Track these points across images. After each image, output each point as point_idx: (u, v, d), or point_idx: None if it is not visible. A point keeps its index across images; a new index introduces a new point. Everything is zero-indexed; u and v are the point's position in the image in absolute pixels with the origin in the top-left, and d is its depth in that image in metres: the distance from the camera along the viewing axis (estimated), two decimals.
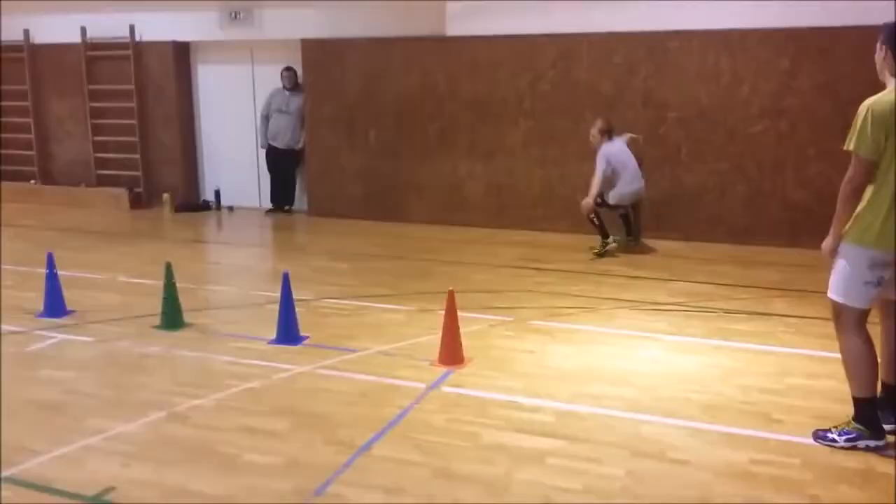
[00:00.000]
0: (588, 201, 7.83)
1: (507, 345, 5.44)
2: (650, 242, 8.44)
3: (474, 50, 9.20)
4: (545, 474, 3.70)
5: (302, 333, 5.62)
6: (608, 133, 8.00)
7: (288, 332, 5.55)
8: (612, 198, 7.94)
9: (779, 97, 8.09)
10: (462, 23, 9.21)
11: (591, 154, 8.84)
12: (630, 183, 7.94)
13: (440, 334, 5.24)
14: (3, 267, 7.67)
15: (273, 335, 5.59)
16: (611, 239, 8.04)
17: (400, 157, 9.73)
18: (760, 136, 8.21)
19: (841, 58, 7.77)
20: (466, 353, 5.15)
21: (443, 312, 5.17)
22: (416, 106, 9.53)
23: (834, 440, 3.91)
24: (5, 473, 3.74)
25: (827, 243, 3.92)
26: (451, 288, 5.18)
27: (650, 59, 8.53)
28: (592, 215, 7.91)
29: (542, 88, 9.01)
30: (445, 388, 4.71)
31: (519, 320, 5.95)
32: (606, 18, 8.57)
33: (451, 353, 5.06)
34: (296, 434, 4.16)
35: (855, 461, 3.79)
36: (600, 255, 7.91)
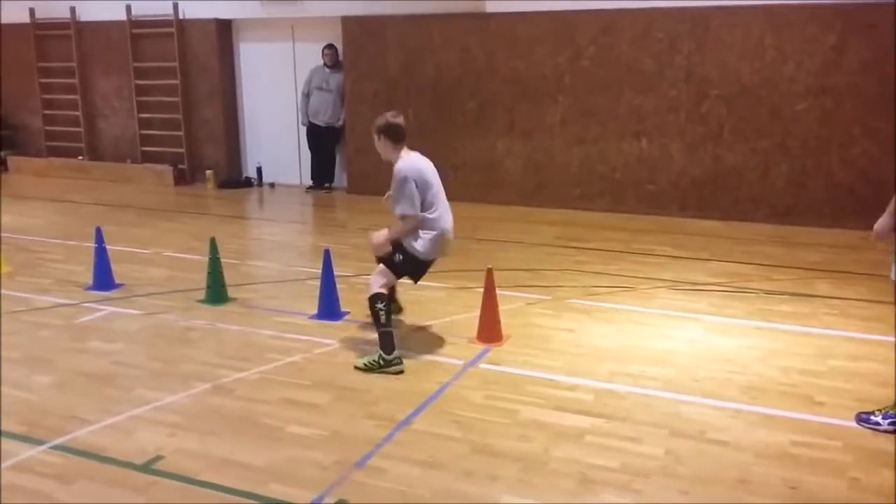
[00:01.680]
0: (380, 242, 4.97)
1: (545, 323, 5.46)
2: (687, 222, 8.36)
3: (513, 26, 9.13)
4: (582, 452, 3.73)
5: (342, 309, 5.70)
6: (397, 137, 5.00)
7: (329, 308, 5.63)
8: (420, 246, 4.88)
9: (824, 74, 7.92)
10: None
11: (633, 132, 8.79)
12: (445, 216, 5.06)
13: (478, 312, 5.28)
14: (52, 241, 7.89)
15: (314, 310, 5.69)
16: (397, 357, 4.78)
17: (438, 135, 9.72)
18: (804, 115, 8.05)
19: (889, 34, 7.56)
20: (504, 330, 5.18)
21: (481, 290, 5.19)
22: (454, 83, 9.51)
23: (878, 423, 3.88)
24: (57, 441, 3.89)
25: (881, 224, 3.80)
26: (489, 266, 5.20)
27: (692, 35, 8.39)
28: (380, 304, 4.76)
29: (582, 65, 8.93)
30: (483, 365, 4.76)
31: (557, 299, 5.96)
32: None
33: (490, 330, 5.10)
34: (337, 407, 4.24)
35: None
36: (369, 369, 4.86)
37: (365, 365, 4.70)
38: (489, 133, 9.46)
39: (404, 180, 4.77)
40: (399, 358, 4.68)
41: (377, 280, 4.87)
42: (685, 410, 4.15)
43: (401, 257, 4.89)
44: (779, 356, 4.85)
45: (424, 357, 4.90)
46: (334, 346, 5.10)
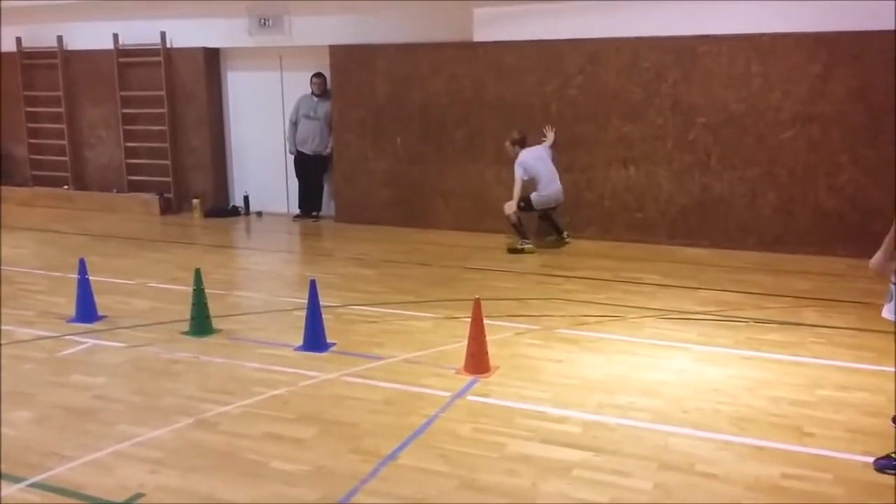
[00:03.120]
0: (511, 204, 8.41)
1: (534, 353, 5.42)
2: (676, 250, 8.38)
3: (501, 55, 9.19)
4: (571, 486, 3.67)
5: (328, 340, 5.64)
6: (521, 143, 8.64)
7: (314, 339, 5.57)
8: (534, 202, 8.50)
9: (810, 103, 7.98)
10: (489, 28, 9.21)
11: (620, 159, 8.84)
12: (548, 185, 8.50)
13: (465, 342, 5.23)
14: (36, 272, 7.81)
15: (300, 342, 5.62)
16: (529, 243, 8.48)
17: (426, 163, 9.74)
18: (791, 143, 8.10)
19: (873, 63, 7.65)
20: (492, 361, 5.13)
21: (469, 320, 5.15)
22: (442, 112, 9.54)
23: None
24: (36, 479, 3.79)
25: (877, 260, 3.77)
26: (476, 296, 5.16)
27: (678, 63, 8.46)
28: (515, 219, 8.44)
29: (570, 94, 8.97)
30: (471, 397, 4.70)
31: (545, 328, 5.92)
32: (634, 23, 8.52)
33: (477, 361, 5.05)
34: (322, 442, 4.17)
35: (888, 478, 3.72)
36: (514, 251, 8.41)
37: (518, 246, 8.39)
38: (478, 161, 9.47)
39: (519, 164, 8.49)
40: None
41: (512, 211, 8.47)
42: (674, 442, 4.10)
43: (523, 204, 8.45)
44: (768, 386, 4.81)
45: (411, 389, 4.84)
46: (320, 378, 5.03)
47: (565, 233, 8.88)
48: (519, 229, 8.47)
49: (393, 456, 3.99)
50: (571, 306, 6.48)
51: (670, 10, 8.34)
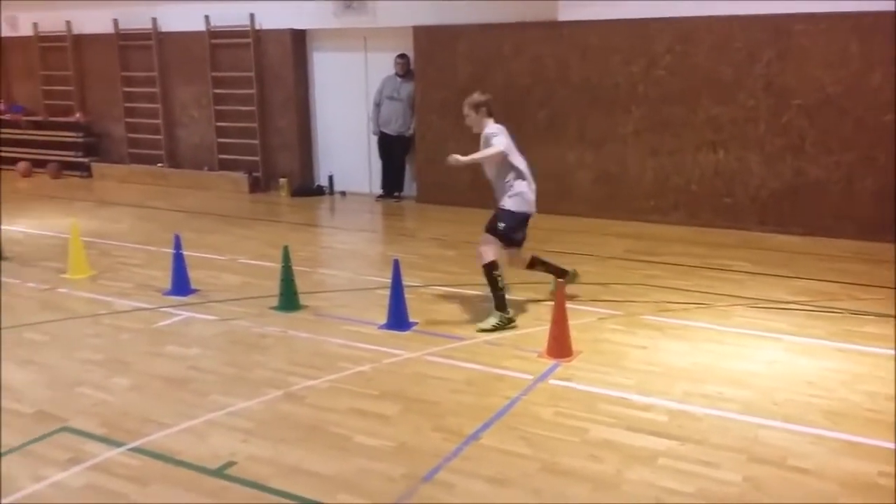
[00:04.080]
0: (455, 157, 5.50)
1: (617, 339, 5.35)
2: (766, 237, 8.12)
3: (587, 35, 9.03)
4: (657, 475, 3.63)
5: (411, 319, 5.71)
6: (489, 110, 5.76)
7: (398, 318, 5.65)
8: (516, 206, 5.68)
9: None
10: (574, 7, 9.06)
11: (709, 143, 8.59)
12: (531, 182, 5.77)
13: (547, 326, 5.21)
14: (133, 246, 8.15)
15: (383, 320, 5.71)
16: (510, 317, 5.61)
17: None
18: (892, 126, 7.70)
19: None
20: (574, 345, 5.09)
21: (550, 303, 5.11)
22: (525, 92, 9.46)
23: None
24: (135, 444, 3.98)
25: None
26: (560, 280, 5.12)
27: (773, 43, 8.14)
28: (495, 273, 5.57)
29: (657, 74, 8.76)
30: (553, 381, 4.69)
31: (629, 314, 5.84)
32: (726, 1, 8.23)
33: (560, 345, 5.02)
34: (405, 419, 4.23)
35: None
36: (491, 330, 5.52)
37: (492, 327, 5.50)
38: (560, 143, 9.37)
39: (499, 132, 5.67)
40: (513, 317, 5.59)
41: (487, 250, 5.64)
42: (764, 435, 3.99)
43: (501, 225, 5.71)
44: (863, 380, 4.63)
45: (493, 370, 4.86)
46: (402, 357, 5.10)
47: (571, 269, 6.26)
48: (497, 288, 5.57)
49: (475, 436, 4.02)
50: (656, 292, 6.36)
51: None
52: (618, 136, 9.06)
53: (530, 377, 4.72)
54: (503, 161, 5.65)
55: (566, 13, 9.09)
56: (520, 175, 5.73)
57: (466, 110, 5.79)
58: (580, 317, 5.63)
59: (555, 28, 9.16)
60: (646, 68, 8.79)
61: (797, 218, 8.24)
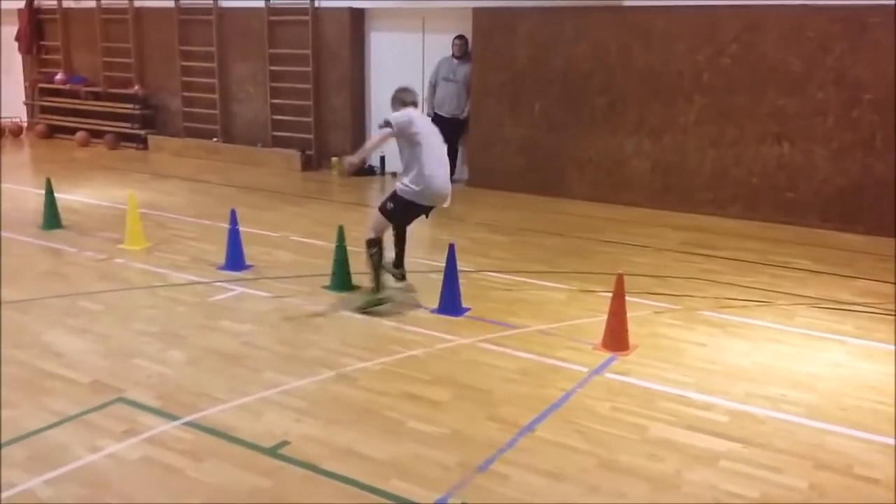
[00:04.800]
0: (353, 158, 5.77)
1: (675, 334, 5.22)
2: (828, 234, 7.87)
3: (651, 20, 8.81)
4: (718, 477, 3.52)
5: (463, 305, 5.65)
6: (411, 103, 5.89)
7: (451, 303, 5.59)
8: (411, 194, 5.52)
9: None
10: None
11: (774, 135, 8.35)
12: (436, 166, 5.61)
13: (603, 317, 5.12)
14: (188, 219, 8.23)
15: (435, 304, 5.66)
16: (386, 297, 5.62)
17: (564, 131, 9.54)
18: None
19: None
20: (631, 339, 4.98)
21: (605, 294, 5.01)
22: (584, 78, 9.28)
23: None
24: (190, 418, 4.00)
25: None
26: (618, 271, 5.01)
27: (846, 34, 7.84)
28: (373, 251, 5.58)
29: (723, 63, 8.51)
30: (609, 375, 4.59)
31: (686, 309, 5.70)
32: None
33: (617, 338, 4.92)
34: (458, 406, 4.18)
35: None
36: (367, 309, 5.51)
37: (360, 307, 5.52)
38: (618, 131, 9.19)
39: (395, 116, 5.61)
40: (388, 297, 5.60)
41: (370, 226, 5.73)
42: (830, 441, 3.85)
43: (391, 205, 5.67)
44: None
45: (546, 360, 4.78)
46: (455, 342, 5.05)
47: (403, 270, 6.03)
48: (376, 270, 5.61)
49: (530, 427, 3.95)
50: (714, 287, 6.20)
51: None
52: (678, 125, 8.85)
53: (585, 370, 4.63)
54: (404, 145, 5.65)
55: None
56: (419, 164, 5.54)
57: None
58: (636, 309, 5.50)
59: (618, 13, 8.95)
60: (711, 56, 8.55)
61: (861, 216, 7.97)
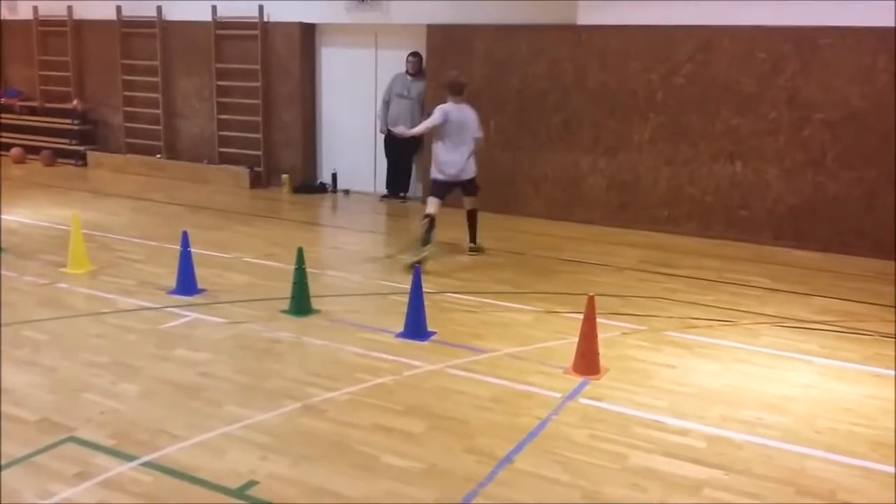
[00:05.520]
0: (405, 130, 7.94)
1: (644, 356, 5.17)
2: (782, 252, 7.98)
3: (606, 40, 8.86)
4: None
5: (429, 329, 5.50)
6: (458, 91, 7.44)
7: (416, 327, 5.44)
8: (433, 172, 7.54)
9: None
10: (594, 12, 8.88)
11: (727, 154, 8.46)
12: (452, 150, 7.35)
13: (571, 339, 5.06)
14: (133, 240, 7.89)
15: (399, 328, 5.50)
16: (427, 251, 7.16)
17: (520, 149, 9.50)
18: None
19: None
20: (601, 362, 4.91)
21: (571, 315, 4.94)
22: (540, 96, 9.27)
23: None
24: (148, 457, 3.75)
25: None
26: (582, 291, 4.94)
27: (797, 55, 7.99)
28: (432, 216, 7.36)
29: (677, 83, 8.60)
30: (583, 400, 4.49)
31: (653, 330, 5.66)
32: (751, 11, 8.08)
33: (588, 361, 4.84)
34: (433, 437, 4.03)
35: None
36: (415, 263, 6.23)
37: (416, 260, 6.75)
38: (573, 149, 9.19)
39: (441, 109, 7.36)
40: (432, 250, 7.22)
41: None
42: (810, 466, 3.82)
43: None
44: None
45: (519, 387, 4.66)
46: (424, 369, 4.89)
47: (477, 242, 7.76)
48: (428, 230, 7.27)
49: (508, 458, 3.82)
50: (678, 307, 6.19)
51: None
52: (633, 143, 8.89)
53: (559, 395, 4.53)
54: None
55: (586, 17, 8.91)
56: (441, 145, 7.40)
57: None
58: (603, 331, 5.40)
59: (574, 32, 8.97)
60: (665, 76, 8.62)
61: (814, 233, 8.11)
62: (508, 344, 5.34)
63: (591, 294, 4.90)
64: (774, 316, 6.01)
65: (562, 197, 9.35)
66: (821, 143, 7.99)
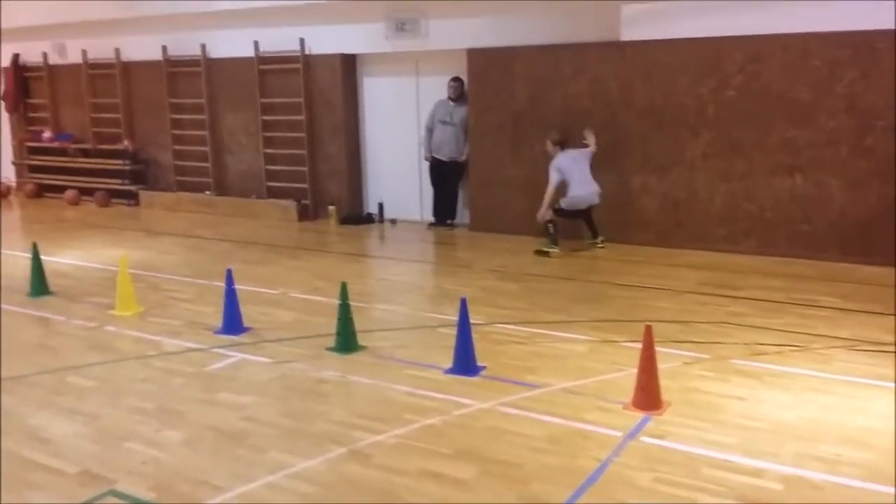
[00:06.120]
0: (543, 212, 8.58)
1: (709, 388, 4.86)
2: (851, 268, 7.55)
3: (651, 54, 8.60)
4: None
5: (478, 363, 5.29)
6: (562, 144, 8.66)
7: (465, 362, 5.23)
8: (564, 203, 8.59)
9: None
10: (638, 27, 8.63)
11: (785, 167, 8.09)
12: (578, 188, 8.50)
13: (629, 371, 4.79)
14: (183, 279, 7.88)
15: (448, 363, 5.30)
16: (556, 249, 8.54)
17: None
18: None
19: None
20: (663, 395, 4.62)
21: (628, 345, 4.68)
22: (584, 115, 9.03)
23: None
24: None
25: None
26: (639, 317, 4.68)
27: (855, 61, 7.61)
28: (550, 225, 8.58)
29: (727, 95, 8.27)
30: (645, 439, 4.22)
31: (717, 358, 5.34)
32: (803, 17, 7.74)
33: (649, 396, 4.56)
34: (485, 484, 3.80)
35: None
36: (540, 253, 8.51)
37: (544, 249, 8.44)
38: (622, 168, 8.91)
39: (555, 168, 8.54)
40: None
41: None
42: None
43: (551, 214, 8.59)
44: None
45: (575, 424, 4.41)
46: (474, 408, 4.67)
47: (600, 238, 8.72)
48: (550, 233, 8.57)
49: None
50: (743, 332, 5.85)
51: (844, 2, 7.51)
52: (685, 160, 8.58)
53: (619, 434, 4.26)
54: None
55: (629, 33, 8.66)
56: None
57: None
58: (664, 360, 5.12)
59: (617, 48, 8.74)
60: (715, 89, 8.31)
61: (884, 247, 7.65)
62: (563, 378, 5.09)
63: (649, 323, 4.63)
64: (849, 339, 5.64)
65: (612, 218, 9.04)
66: (885, 152, 7.56)
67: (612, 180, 8.94)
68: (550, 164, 8.56)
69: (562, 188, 8.53)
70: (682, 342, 5.65)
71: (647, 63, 8.63)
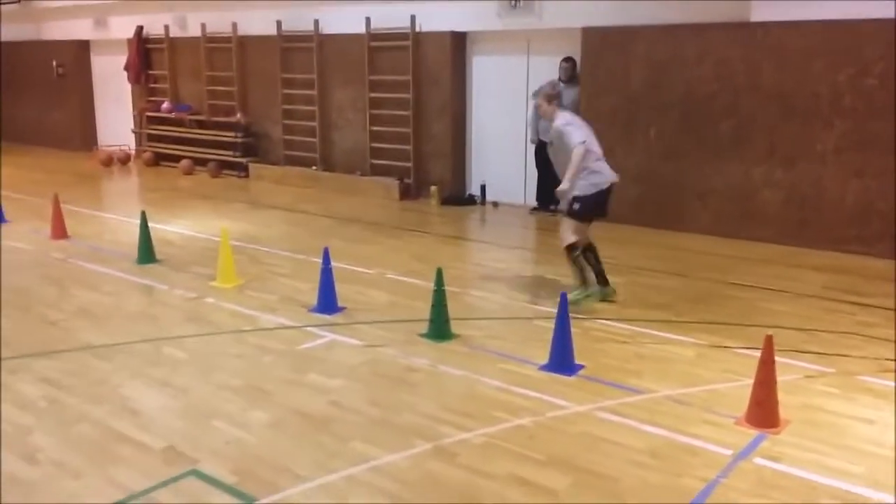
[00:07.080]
0: (564, 188, 6.06)
1: (833, 407, 4.39)
2: None
3: (782, 37, 7.94)
4: None
5: (577, 362, 4.98)
6: (559, 100, 6.35)
7: (562, 359, 4.94)
8: (583, 187, 6.01)
9: None
10: (770, 7, 7.98)
11: None
12: (599, 159, 6.16)
13: (742, 382, 4.41)
14: (282, 253, 7.90)
15: (544, 358, 5.03)
16: (598, 290, 6.19)
17: (684, 158, 8.74)
18: None
19: None
20: (781, 412, 4.20)
21: (742, 352, 4.28)
22: (707, 100, 8.47)
23: None
24: (269, 499, 3.50)
25: None
26: (757, 323, 4.26)
27: None
28: (577, 255, 6.10)
29: (867, 84, 7.55)
30: (758, 460, 3.82)
31: (843, 373, 4.84)
32: None
33: (765, 412, 4.14)
34: (577, 496, 3.52)
35: None
36: (577, 304, 5.89)
37: (575, 297, 5.83)
38: (745, 158, 8.32)
39: (567, 124, 6.15)
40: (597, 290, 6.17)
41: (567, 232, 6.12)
42: None
43: (577, 205, 6.09)
44: None
45: (680, 438, 4.05)
46: (570, 410, 4.39)
47: (611, 288, 6.32)
48: (581, 265, 6.12)
49: None
50: (873, 345, 5.29)
51: None
52: (815, 153, 7.91)
53: (729, 452, 3.88)
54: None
55: (760, 13, 8.03)
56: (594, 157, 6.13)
57: (540, 100, 6.32)
58: (782, 372, 4.65)
59: (746, 29, 8.12)
60: (853, 77, 7.60)
61: None
62: (668, 384, 4.72)
63: (770, 332, 4.20)
64: None
65: (731, 211, 8.49)
66: None
67: (732, 170, 8.38)
68: (553, 125, 6.20)
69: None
70: (803, 352, 5.16)
71: (779, 46, 7.99)
